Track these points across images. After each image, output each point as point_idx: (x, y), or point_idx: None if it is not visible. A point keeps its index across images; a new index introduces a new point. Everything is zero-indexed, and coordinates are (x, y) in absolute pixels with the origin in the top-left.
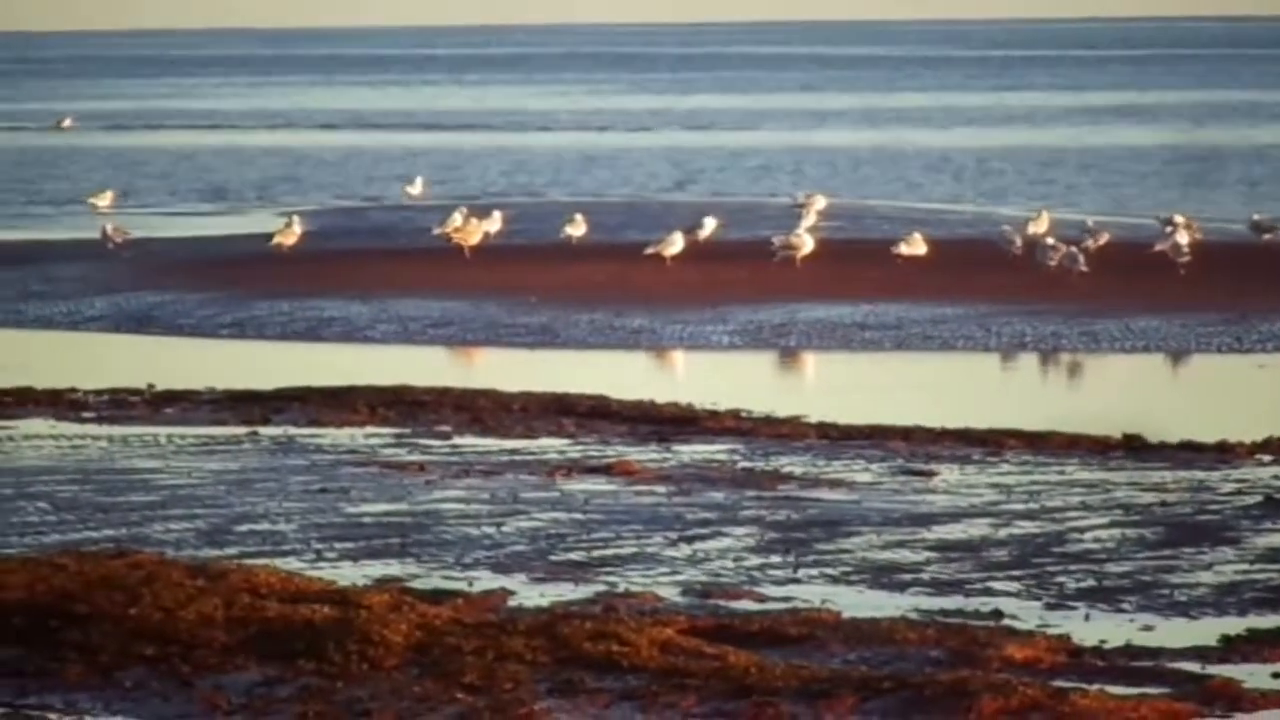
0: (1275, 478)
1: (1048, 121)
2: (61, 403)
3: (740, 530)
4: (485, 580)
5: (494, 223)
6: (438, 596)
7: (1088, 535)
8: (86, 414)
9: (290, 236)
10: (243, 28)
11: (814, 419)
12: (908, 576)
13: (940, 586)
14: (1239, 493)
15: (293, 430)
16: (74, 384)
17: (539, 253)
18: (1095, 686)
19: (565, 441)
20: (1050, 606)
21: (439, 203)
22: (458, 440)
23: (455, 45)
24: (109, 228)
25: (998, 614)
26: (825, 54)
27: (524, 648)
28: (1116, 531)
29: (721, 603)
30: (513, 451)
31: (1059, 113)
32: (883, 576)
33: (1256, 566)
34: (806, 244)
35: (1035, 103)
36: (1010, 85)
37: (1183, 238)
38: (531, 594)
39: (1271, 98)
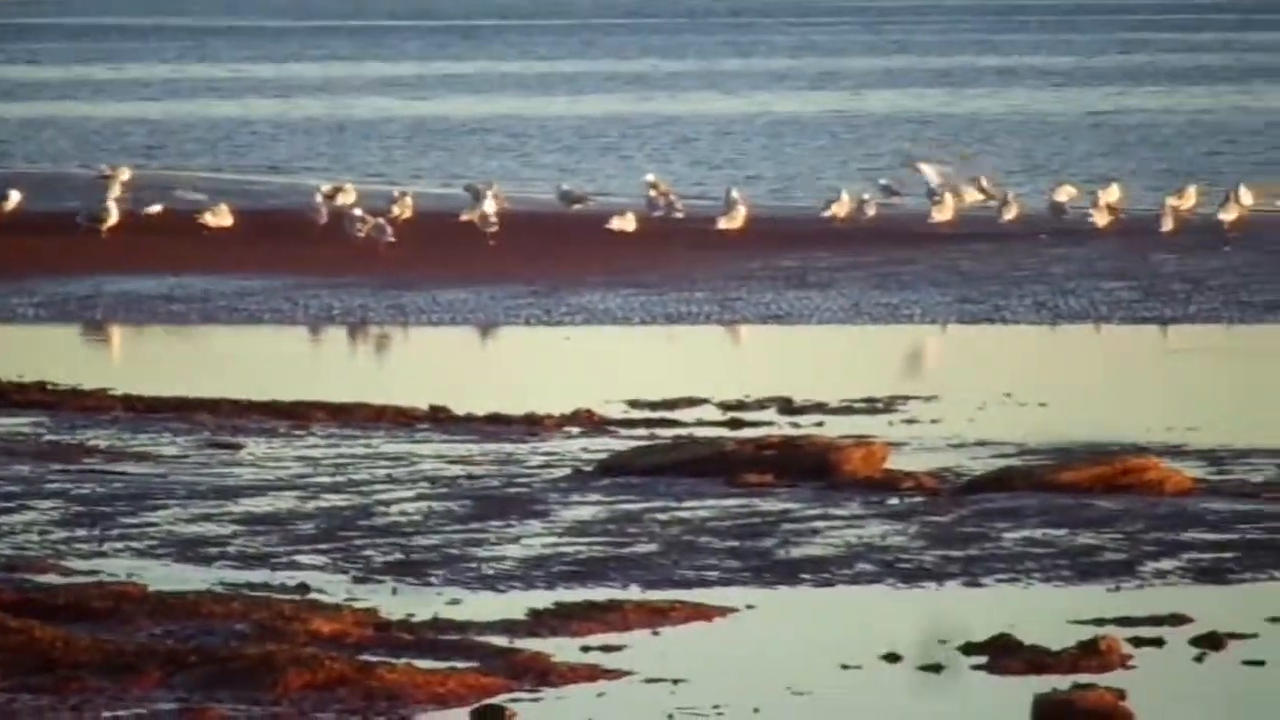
0: (584, 450)
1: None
2: None
3: (45, 503)
4: None
5: None
6: None
7: (395, 508)
8: None
9: None
10: None
11: (120, 392)
12: (214, 550)
13: (247, 560)
14: (547, 465)
15: None
16: None
17: None
18: (403, 660)
19: None
20: (357, 580)
21: None
22: None
23: None
24: None
25: (304, 587)
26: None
27: None
28: (424, 504)
29: (26, 576)
30: None
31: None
32: (189, 550)
33: (565, 539)
34: (113, 215)
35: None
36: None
37: (491, 207)
38: None
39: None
